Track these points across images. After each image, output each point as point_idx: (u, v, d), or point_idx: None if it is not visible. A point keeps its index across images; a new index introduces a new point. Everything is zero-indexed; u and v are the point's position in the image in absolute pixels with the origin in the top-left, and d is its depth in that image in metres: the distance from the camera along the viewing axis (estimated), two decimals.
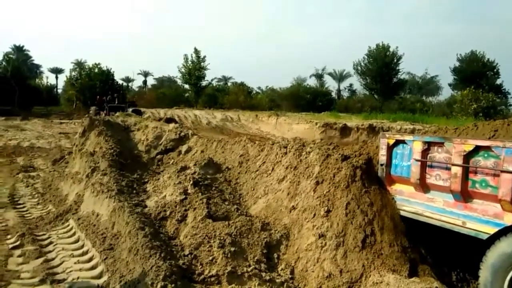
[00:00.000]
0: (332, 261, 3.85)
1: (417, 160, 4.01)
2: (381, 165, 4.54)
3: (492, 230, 3.33)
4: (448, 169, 3.69)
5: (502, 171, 3.23)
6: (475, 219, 3.47)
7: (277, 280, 3.83)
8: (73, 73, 45.50)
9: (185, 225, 5.02)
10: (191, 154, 9.08)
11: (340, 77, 57.05)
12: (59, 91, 58.41)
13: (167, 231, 5.00)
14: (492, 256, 3.36)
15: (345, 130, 21.08)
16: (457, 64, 46.37)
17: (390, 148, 4.45)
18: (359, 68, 46.87)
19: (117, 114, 16.75)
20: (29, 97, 38.13)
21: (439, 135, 4.69)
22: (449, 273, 4.15)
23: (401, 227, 4.08)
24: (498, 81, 43.71)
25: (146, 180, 7.44)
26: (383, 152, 4.52)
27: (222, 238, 4.35)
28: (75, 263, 4.47)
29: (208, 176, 6.59)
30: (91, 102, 33.30)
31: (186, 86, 51.20)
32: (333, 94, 53.02)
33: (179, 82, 54.65)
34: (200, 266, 4.03)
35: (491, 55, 65.52)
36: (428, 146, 3.95)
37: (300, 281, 3.93)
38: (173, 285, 3.49)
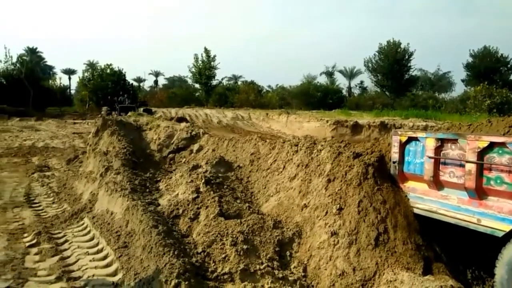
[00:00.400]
0: (345, 259, 3.84)
1: (430, 157, 3.97)
2: (394, 162, 4.51)
3: (508, 227, 3.28)
4: (462, 166, 3.65)
5: None
6: (491, 217, 3.42)
7: (290, 278, 3.83)
8: (85, 74, 46.12)
9: (198, 223, 5.06)
10: (202, 153, 9.14)
11: (350, 75, 56.73)
12: (72, 91, 59.32)
13: (180, 229, 5.04)
14: (508, 254, 3.32)
15: (356, 128, 20.90)
16: (470, 59, 45.73)
17: (402, 145, 4.42)
18: (370, 65, 46.53)
19: (129, 113, 16.92)
20: (43, 98, 38.77)
21: (453, 132, 4.64)
22: (464, 271, 4.11)
23: (414, 225, 4.05)
24: None
25: (158, 178, 7.51)
26: (395, 150, 4.49)
27: (234, 236, 4.37)
28: (90, 260, 4.55)
29: (220, 175, 6.63)
30: (103, 103, 33.76)
31: (197, 85, 51.53)
32: (344, 92, 52.73)
33: (190, 81, 55.12)
34: (213, 264, 4.06)
35: (505, 50, 64.45)
36: (442, 143, 3.91)
37: (313, 279, 3.93)
38: (186, 282, 3.51)
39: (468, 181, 3.56)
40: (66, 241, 5.23)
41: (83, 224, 5.81)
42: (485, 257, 3.82)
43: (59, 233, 5.52)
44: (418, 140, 4.24)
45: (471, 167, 3.54)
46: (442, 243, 4.11)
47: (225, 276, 3.83)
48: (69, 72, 66.00)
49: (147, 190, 6.71)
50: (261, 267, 3.88)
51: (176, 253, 3.99)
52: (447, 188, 3.87)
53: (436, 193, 3.95)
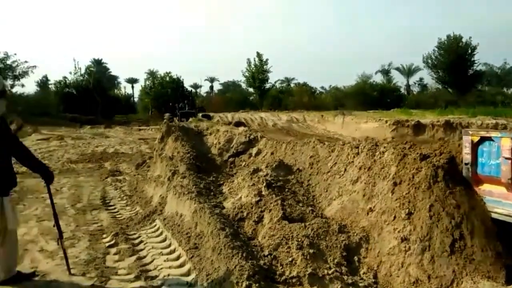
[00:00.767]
0: (418, 266, 3.72)
1: (507, 159, 3.74)
2: (466, 164, 4.29)
3: None
4: None
5: None
6: None
7: (360, 284, 3.78)
8: (147, 83, 48.80)
9: (262, 226, 5.16)
10: (261, 156, 9.29)
11: (408, 72, 54.27)
12: (135, 99, 62.97)
13: (245, 231, 5.18)
14: None
15: (418, 128, 19.93)
16: None
17: (474, 146, 4.19)
18: (429, 61, 44.16)
19: (190, 119, 17.63)
20: (110, 107, 41.69)
21: None
22: None
23: (493, 231, 3.82)
24: None
25: (221, 182, 7.75)
26: (467, 151, 4.27)
27: (299, 239, 4.39)
28: (164, 261, 4.78)
29: (280, 178, 6.69)
30: (164, 109, 35.49)
31: (251, 89, 52.32)
32: (402, 90, 50.59)
33: (244, 86, 56.11)
34: (281, 267, 4.11)
35: None
36: None
37: (385, 286, 3.84)
38: (257, 284, 3.59)
39: None
40: (141, 241, 5.55)
41: (155, 225, 6.15)
42: None
43: (134, 234, 5.88)
44: (492, 140, 4.00)
45: None
46: None
47: (294, 280, 3.85)
48: (132, 81, 70.33)
49: (212, 193, 6.95)
50: (329, 272, 3.86)
51: (244, 255, 4.07)
52: None
53: None
